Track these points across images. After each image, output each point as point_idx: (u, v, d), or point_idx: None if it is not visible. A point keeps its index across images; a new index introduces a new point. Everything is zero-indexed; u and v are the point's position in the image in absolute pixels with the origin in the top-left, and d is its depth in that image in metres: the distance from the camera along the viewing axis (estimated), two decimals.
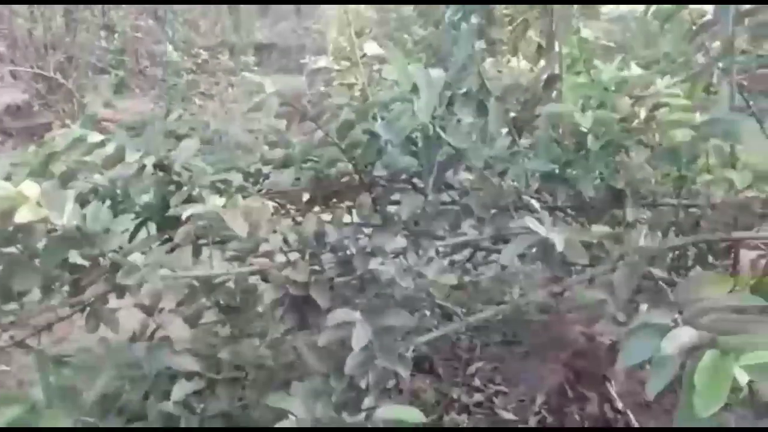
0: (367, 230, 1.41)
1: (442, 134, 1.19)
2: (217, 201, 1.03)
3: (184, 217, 1.03)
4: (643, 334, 0.82)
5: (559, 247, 1.02)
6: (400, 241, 1.31)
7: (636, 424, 1.90)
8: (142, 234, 1.52)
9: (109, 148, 1.33)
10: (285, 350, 1.20)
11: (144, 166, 1.34)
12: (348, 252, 1.26)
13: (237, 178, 1.51)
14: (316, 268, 1.23)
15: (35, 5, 6.49)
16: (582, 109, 1.27)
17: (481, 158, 1.26)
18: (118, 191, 1.45)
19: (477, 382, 2.11)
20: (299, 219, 1.68)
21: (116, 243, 1.08)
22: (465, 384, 2.12)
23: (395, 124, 1.31)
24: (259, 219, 1.08)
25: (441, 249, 1.41)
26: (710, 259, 1.71)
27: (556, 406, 2.00)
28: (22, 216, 0.89)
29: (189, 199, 1.25)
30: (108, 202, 1.46)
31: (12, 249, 1.04)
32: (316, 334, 1.16)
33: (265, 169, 1.73)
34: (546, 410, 1.97)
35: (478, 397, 2.03)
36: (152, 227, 1.54)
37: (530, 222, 1.07)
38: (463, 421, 1.92)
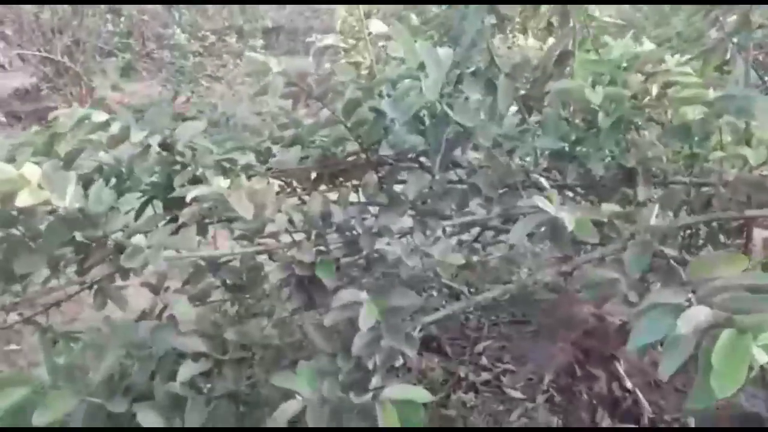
0: (373, 209, 1.39)
1: (450, 112, 1.16)
2: (221, 182, 1.02)
3: (188, 199, 1.01)
4: (656, 314, 0.80)
5: (569, 226, 1.00)
6: (407, 221, 1.30)
7: (645, 403, 1.89)
8: (149, 212, 1.52)
9: (114, 128, 1.33)
10: (291, 330, 1.19)
11: (149, 146, 1.33)
12: (354, 232, 1.25)
13: (246, 158, 1.50)
14: (322, 248, 1.22)
15: None
16: (592, 86, 1.24)
17: (490, 136, 1.24)
18: (123, 170, 1.44)
19: (485, 361, 2.11)
20: (306, 198, 1.67)
21: (120, 224, 1.07)
22: (473, 363, 2.12)
23: (401, 102, 1.29)
24: (264, 200, 1.06)
25: (448, 228, 1.40)
26: (722, 238, 1.68)
27: (565, 384, 1.99)
28: (23, 200, 0.88)
29: (193, 179, 1.24)
30: (113, 181, 1.46)
31: (14, 231, 1.04)
32: (323, 314, 1.16)
33: (275, 149, 1.72)
34: (554, 389, 1.97)
35: (485, 375, 2.04)
36: (159, 206, 1.54)
37: (539, 201, 1.05)
38: (471, 399, 1.92)
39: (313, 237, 1.21)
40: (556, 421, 1.81)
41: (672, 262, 1.04)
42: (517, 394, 1.95)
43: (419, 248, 1.19)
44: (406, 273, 1.15)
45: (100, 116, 1.32)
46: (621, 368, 2.04)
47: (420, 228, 1.25)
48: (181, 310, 1.11)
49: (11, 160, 1.31)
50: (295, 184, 1.71)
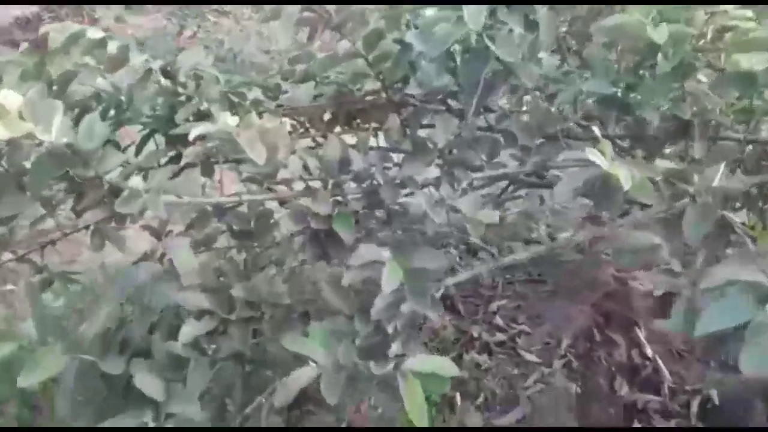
0: (395, 156, 1.27)
1: (491, 46, 1.01)
2: (229, 119, 0.89)
3: (192, 137, 0.89)
4: (734, 295, 0.69)
5: (626, 184, 0.87)
6: (431, 170, 1.17)
7: (665, 372, 1.82)
8: (150, 147, 1.40)
9: (112, 47, 1.19)
10: (303, 286, 1.09)
11: (150, 71, 1.20)
12: (374, 181, 1.13)
13: (254, 93, 1.37)
14: (339, 199, 1.10)
15: None
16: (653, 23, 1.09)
17: (534, 77, 1.09)
18: (123, 99, 1.32)
19: (499, 321, 2.02)
20: (320, 140, 1.54)
21: (115, 162, 0.95)
22: (486, 322, 2.03)
23: (432, 34, 1.13)
24: (277, 141, 0.94)
25: (475, 181, 1.28)
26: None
27: (583, 349, 1.91)
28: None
29: (198, 114, 1.11)
30: (112, 112, 1.34)
31: None
32: (337, 268, 1.06)
33: (285, 85, 1.58)
34: (572, 354, 1.89)
35: (500, 336, 1.95)
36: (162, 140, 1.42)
37: (591, 153, 0.92)
38: (485, 360, 1.85)
39: (329, 186, 1.09)
40: (574, 389, 1.73)
41: (737, 230, 0.92)
42: (533, 358, 1.87)
43: (446, 202, 1.07)
44: (432, 229, 1.04)
45: (95, 33, 1.19)
46: (641, 335, 1.95)
47: (447, 179, 1.12)
48: (182, 259, 1.00)
49: None
50: (307, 124, 1.58)
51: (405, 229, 1.08)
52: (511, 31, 1.06)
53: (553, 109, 1.26)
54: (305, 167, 1.08)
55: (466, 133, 1.15)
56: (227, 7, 6.93)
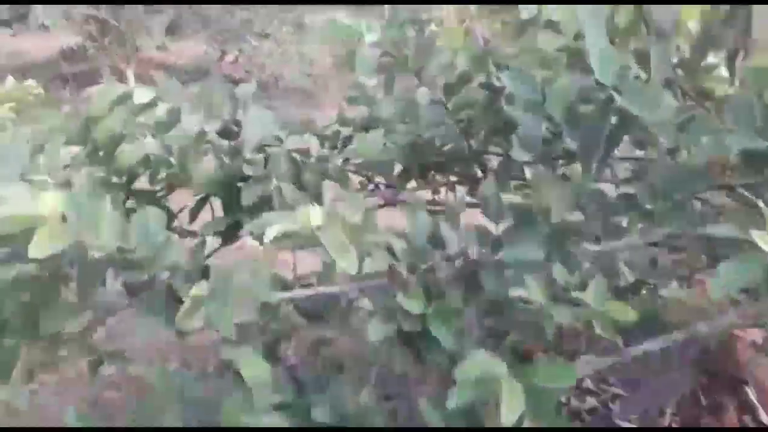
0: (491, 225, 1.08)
1: (617, 97, 0.82)
2: (312, 214, 0.73)
3: (268, 238, 0.73)
4: None
5: None
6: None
7: None
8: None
9: (161, 110, 1.08)
10: (392, 394, 0.92)
11: (204, 134, 1.08)
12: (468, 259, 0.95)
13: (313, 143, 1.23)
14: (431, 287, 0.92)
15: None
16: None
17: (671, 131, 0.89)
18: (173, 160, 1.20)
19: (588, 383, 1.80)
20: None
21: (172, 261, 0.80)
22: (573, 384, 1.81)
23: (529, 77, 0.95)
24: (364, 233, 0.77)
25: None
26: None
27: (689, 417, 1.68)
28: (37, 249, 0.60)
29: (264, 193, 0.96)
30: (162, 174, 1.22)
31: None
32: (434, 376, 0.89)
33: (344, 131, 1.43)
34: (677, 423, 1.65)
35: (591, 401, 1.73)
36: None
37: (758, 236, 0.73)
38: None
39: (419, 271, 0.91)
40: None
41: None
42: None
43: (562, 290, 0.88)
44: (550, 327, 0.85)
45: (143, 95, 1.08)
46: (753, 396, 1.71)
47: (560, 258, 0.93)
48: (252, 371, 0.84)
49: (39, 150, 1.08)
50: (375, 179, 1.42)
51: (512, 324, 0.89)
52: (637, 77, 0.86)
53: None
54: (389, 250, 0.91)
55: (583, 197, 0.96)
56: (268, 30, 6.91)
